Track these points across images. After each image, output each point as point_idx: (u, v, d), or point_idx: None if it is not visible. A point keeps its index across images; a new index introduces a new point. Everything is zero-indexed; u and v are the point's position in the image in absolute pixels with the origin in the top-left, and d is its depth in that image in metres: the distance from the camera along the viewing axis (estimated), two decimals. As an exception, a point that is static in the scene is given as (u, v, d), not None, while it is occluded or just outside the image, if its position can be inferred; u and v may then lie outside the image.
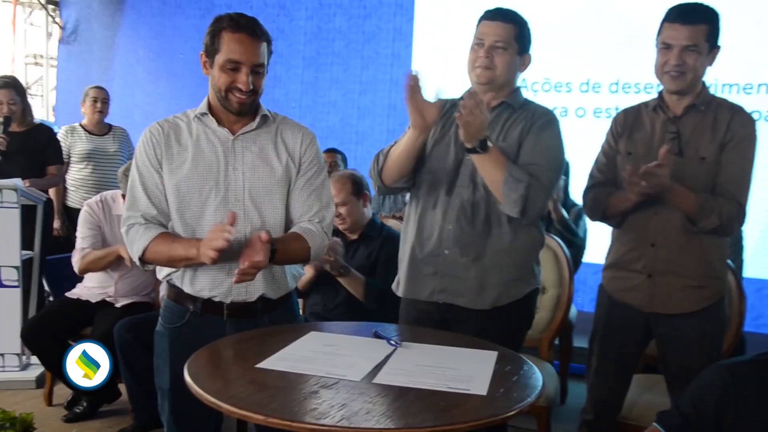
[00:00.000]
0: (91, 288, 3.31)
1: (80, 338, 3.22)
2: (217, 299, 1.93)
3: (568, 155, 2.44)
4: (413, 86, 1.98)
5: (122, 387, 3.17)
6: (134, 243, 1.90)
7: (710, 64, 2.20)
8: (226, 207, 1.90)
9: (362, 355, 1.67)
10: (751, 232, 3.84)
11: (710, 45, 2.14)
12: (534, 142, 2.11)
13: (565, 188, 3.94)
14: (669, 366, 2.30)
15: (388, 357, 1.66)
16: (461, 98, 2.12)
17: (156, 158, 1.93)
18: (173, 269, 1.96)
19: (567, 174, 3.94)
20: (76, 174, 4.53)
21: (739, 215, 2.15)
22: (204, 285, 1.93)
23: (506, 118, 2.17)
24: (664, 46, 2.16)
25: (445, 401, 1.42)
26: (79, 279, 3.36)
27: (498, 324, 2.11)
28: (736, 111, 2.20)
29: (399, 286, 2.27)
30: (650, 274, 2.24)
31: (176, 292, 1.98)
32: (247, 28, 1.86)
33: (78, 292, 3.32)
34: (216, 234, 1.75)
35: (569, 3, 4.72)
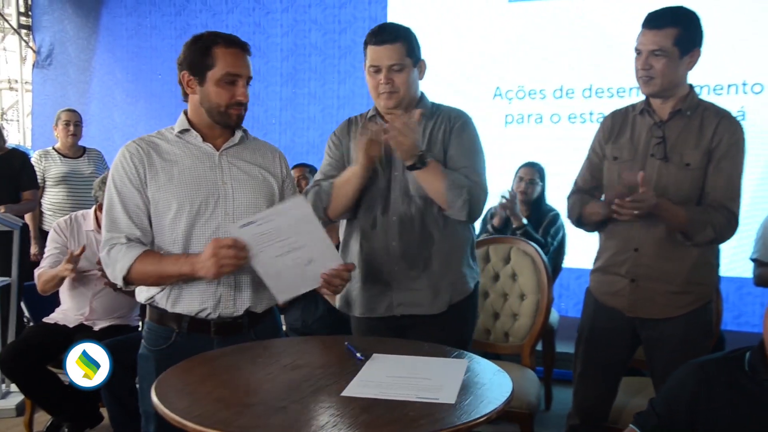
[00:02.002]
0: (66, 312, 3.28)
1: (58, 364, 3.19)
2: (204, 316, 1.92)
3: (545, 160, 2.48)
4: (377, 138, 2.04)
5: (104, 411, 3.13)
6: (117, 263, 1.85)
7: (690, 67, 2.20)
8: (216, 220, 1.91)
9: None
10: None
11: (682, 49, 2.14)
12: (458, 145, 2.20)
13: (541, 193, 3.96)
14: (655, 369, 2.30)
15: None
16: (371, 117, 2.26)
17: (138, 177, 1.90)
18: (156, 290, 1.94)
19: (543, 179, 3.96)
20: (51, 198, 4.51)
21: (731, 224, 2.14)
22: (192, 301, 1.91)
23: (423, 125, 2.22)
24: (636, 52, 2.20)
25: (414, 411, 1.41)
26: (58, 303, 3.33)
27: (453, 321, 2.24)
28: (722, 116, 2.19)
29: (351, 307, 2.30)
30: (633, 278, 2.25)
31: (160, 314, 1.96)
32: (239, 42, 1.92)
33: (56, 316, 3.29)
34: (226, 252, 1.76)
35: (542, 10, 4.75)
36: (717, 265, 2.28)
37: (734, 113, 4.25)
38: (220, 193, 1.93)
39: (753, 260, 3.41)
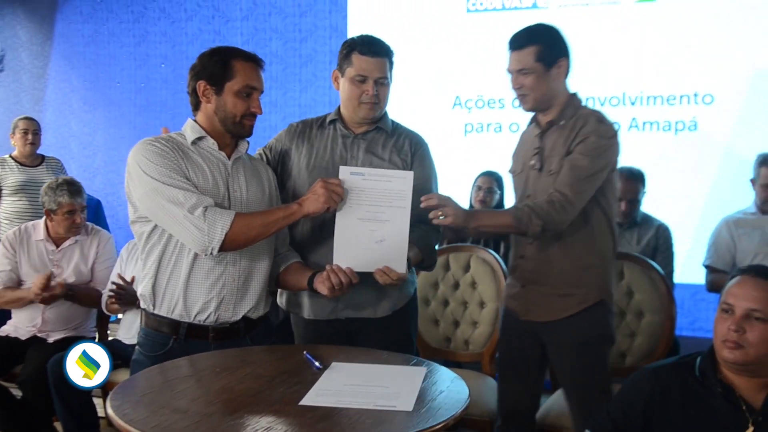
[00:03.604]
0: (17, 324, 3.21)
1: (11, 378, 3.12)
2: (202, 320, 1.97)
3: (505, 169, 2.52)
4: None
5: (58, 425, 3.07)
6: (216, 222, 1.85)
7: (561, 77, 2.25)
8: None
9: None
10: (682, 238, 3.96)
11: (545, 63, 2.21)
12: (421, 172, 2.22)
13: (499, 202, 4.00)
14: (556, 371, 2.37)
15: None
16: (332, 121, 2.29)
17: (181, 169, 1.92)
18: (160, 288, 1.97)
19: (501, 188, 4.01)
20: (9, 207, 4.39)
21: (559, 205, 2.10)
22: (195, 302, 1.96)
23: (383, 142, 2.27)
24: (508, 73, 2.29)
25: (371, 419, 1.42)
26: (8, 315, 3.26)
27: (398, 324, 2.29)
28: (587, 119, 2.21)
29: (300, 308, 2.30)
30: (524, 284, 2.33)
31: (157, 320, 1.98)
32: (255, 57, 2.02)
33: (6, 329, 3.22)
34: (336, 188, 1.96)
35: (501, 20, 4.82)
36: (603, 267, 2.28)
37: (686, 123, 4.40)
38: (233, 200, 2.00)
39: (706, 267, 3.50)
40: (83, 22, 6.09)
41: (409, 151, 2.27)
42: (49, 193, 3.24)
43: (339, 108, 2.31)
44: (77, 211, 3.26)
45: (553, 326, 2.27)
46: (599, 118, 2.22)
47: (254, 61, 2.02)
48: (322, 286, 2.00)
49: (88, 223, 3.42)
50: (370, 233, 2.00)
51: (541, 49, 2.20)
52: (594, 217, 2.23)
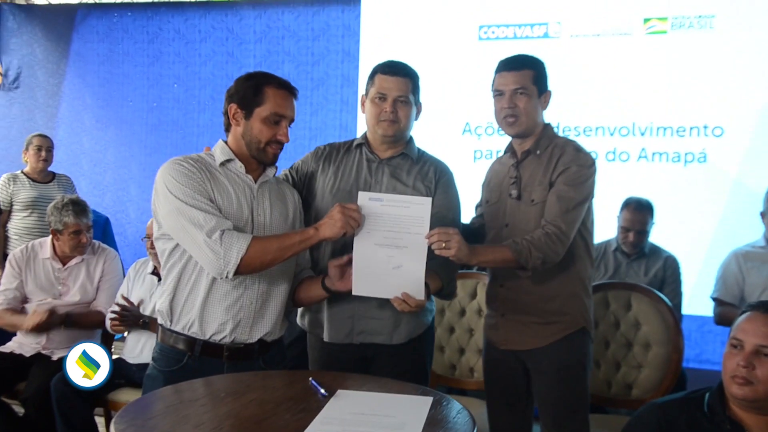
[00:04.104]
0: (22, 341, 3.21)
1: (14, 395, 3.11)
2: (218, 339, 1.98)
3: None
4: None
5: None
6: (233, 246, 1.87)
7: (543, 107, 2.30)
8: None
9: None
10: (690, 270, 3.95)
11: (539, 88, 2.25)
12: (445, 200, 2.25)
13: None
14: (536, 397, 2.34)
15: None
16: (358, 145, 2.31)
17: (206, 190, 1.94)
18: (171, 312, 1.98)
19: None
20: (19, 222, 4.42)
21: (556, 238, 2.11)
22: (212, 322, 1.97)
23: (408, 169, 2.28)
24: (497, 93, 2.29)
25: (376, 449, 1.41)
26: (14, 331, 3.26)
27: (414, 354, 2.28)
28: (566, 148, 2.23)
29: (321, 330, 2.29)
30: (503, 313, 2.32)
31: (173, 337, 2.00)
32: (289, 86, 2.04)
33: (11, 345, 3.22)
34: (354, 214, 1.95)
35: (512, 49, 4.84)
36: (586, 294, 2.29)
37: (696, 155, 4.40)
38: (256, 223, 2.02)
39: (713, 299, 3.47)
40: (99, 41, 6.17)
41: (433, 179, 2.27)
42: (54, 213, 3.25)
43: (366, 132, 2.33)
44: (83, 231, 3.27)
45: (535, 353, 2.26)
46: (576, 147, 2.25)
47: (287, 89, 2.03)
48: (330, 281, 2.05)
49: (95, 240, 3.44)
50: (388, 259, 1.99)
51: (536, 74, 2.26)
52: (575, 245, 2.22)
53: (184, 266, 1.99)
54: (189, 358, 1.98)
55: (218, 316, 1.98)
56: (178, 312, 2.00)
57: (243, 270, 1.89)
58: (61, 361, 3.08)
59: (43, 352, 3.18)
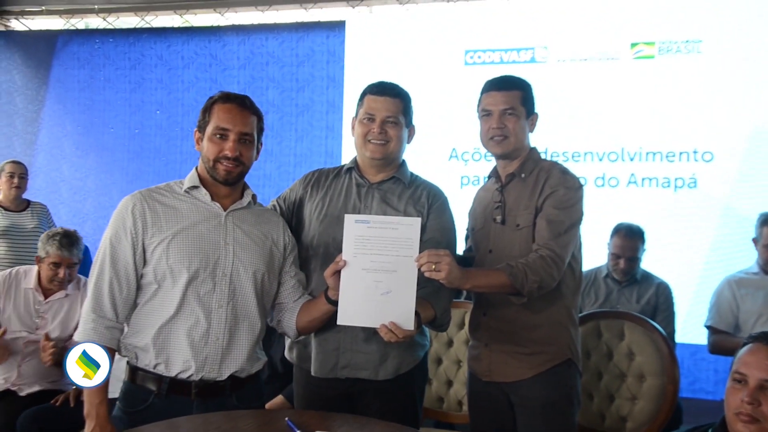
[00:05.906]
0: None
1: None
2: (185, 377, 1.88)
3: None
4: None
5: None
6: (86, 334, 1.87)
7: (531, 130, 2.25)
8: (213, 280, 1.90)
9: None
10: (682, 297, 3.87)
11: (527, 109, 2.21)
12: (438, 224, 2.16)
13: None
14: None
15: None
16: (348, 169, 2.23)
17: (135, 231, 1.89)
18: (140, 345, 1.90)
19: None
20: (-12, 251, 4.30)
21: (551, 262, 2.03)
22: (176, 360, 1.88)
23: (399, 193, 2.20)
24: (485, 113, 2.23)
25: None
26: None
27: (402, 392, 2.16)
28: (551, 172, 2.17)
29: (309, 363, 2.18)
30: (487, 343, 2.24)
31: (139, 374, 1.90)
32: (237, 99, 1.96)
33: (-22, 380, 3.08)
34: None
35: (498, 73, 4.81)
36: (572, 324, 2.21)
37: (686, 180, 4.36)
38: (220, 254, 1.93)
39: (707, 327, 3.40)
40: (79, 67, 6.10)
41: (426, 203, 2.18)
42: (43, 239, 3.18)
43: (356, 156, 2.26)
44: (62, 265, 3.14)
45: (519, 386, 2.17)
46: (562, 170, 2.19)
47: (233, 102, 1.95)
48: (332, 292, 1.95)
49: (80, 276, 3.30)
50: (376, 285, 1.88)
51: (525, 95, 2.22)
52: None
53: (146, 302, 1.91)
54: (155, 397, 1.88)
55: (182, 352, 1.88)
56: (143, 349, 1.91)
57: None
58: (30, 398, 2.97)
59: (11, 388, 3.04)
